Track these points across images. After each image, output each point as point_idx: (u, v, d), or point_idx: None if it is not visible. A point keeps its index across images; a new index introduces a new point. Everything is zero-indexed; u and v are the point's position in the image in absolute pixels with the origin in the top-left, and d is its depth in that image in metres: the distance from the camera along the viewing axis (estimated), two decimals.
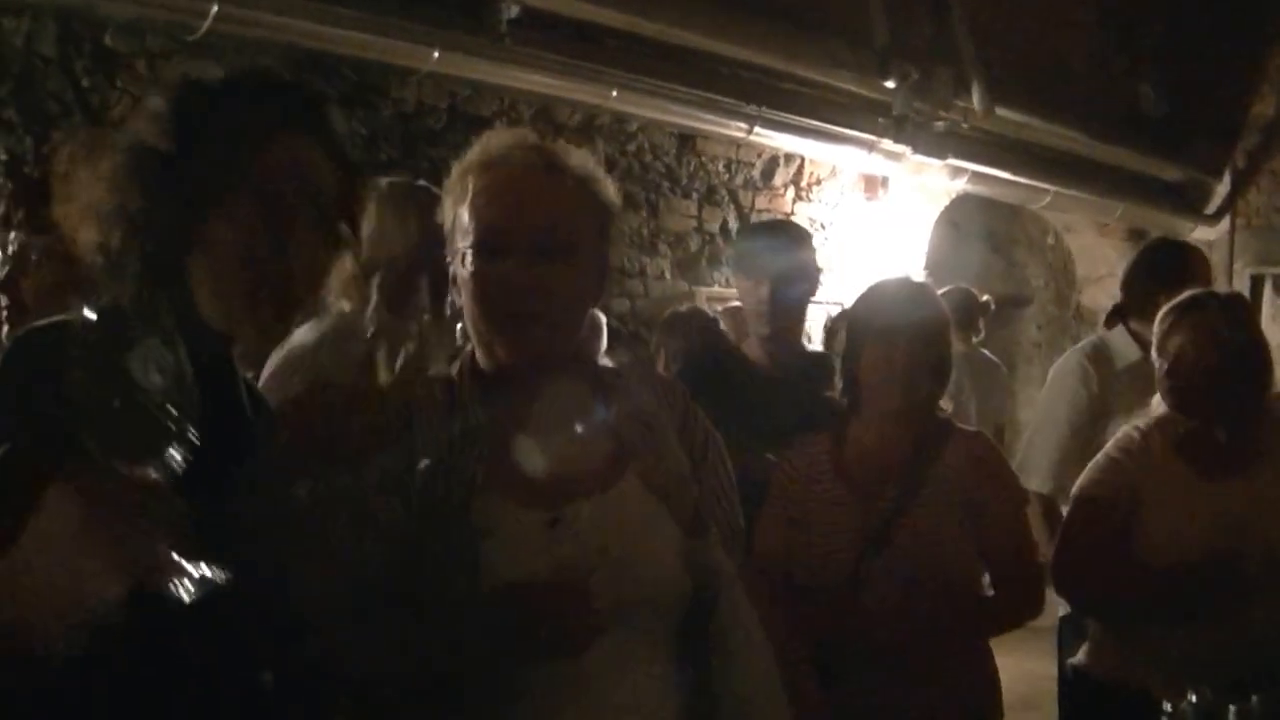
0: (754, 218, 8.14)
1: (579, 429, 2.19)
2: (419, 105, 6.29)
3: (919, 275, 2.87)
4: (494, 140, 2.20)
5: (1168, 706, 2.84)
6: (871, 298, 3.44)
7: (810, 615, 3.14)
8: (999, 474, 3.36)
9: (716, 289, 7.58)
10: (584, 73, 6.50)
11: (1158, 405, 3.62)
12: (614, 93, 6.65)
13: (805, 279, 4.13)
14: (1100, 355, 4.70)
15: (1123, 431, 3.64)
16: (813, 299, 4.26)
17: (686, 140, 7.77)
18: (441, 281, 2.45)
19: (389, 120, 6.14)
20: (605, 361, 3.62)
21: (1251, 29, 10.81)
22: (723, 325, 5.92)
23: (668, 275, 7.67)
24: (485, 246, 2.09)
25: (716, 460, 2.32)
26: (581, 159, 2.21)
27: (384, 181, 3.51)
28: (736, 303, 5.89)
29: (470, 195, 2.12)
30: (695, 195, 7.90)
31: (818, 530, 3.27)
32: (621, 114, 7.10)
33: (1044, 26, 9.44)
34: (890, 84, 8.09)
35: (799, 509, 3.31)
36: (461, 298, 2.15)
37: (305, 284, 1.92)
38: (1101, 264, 11.18)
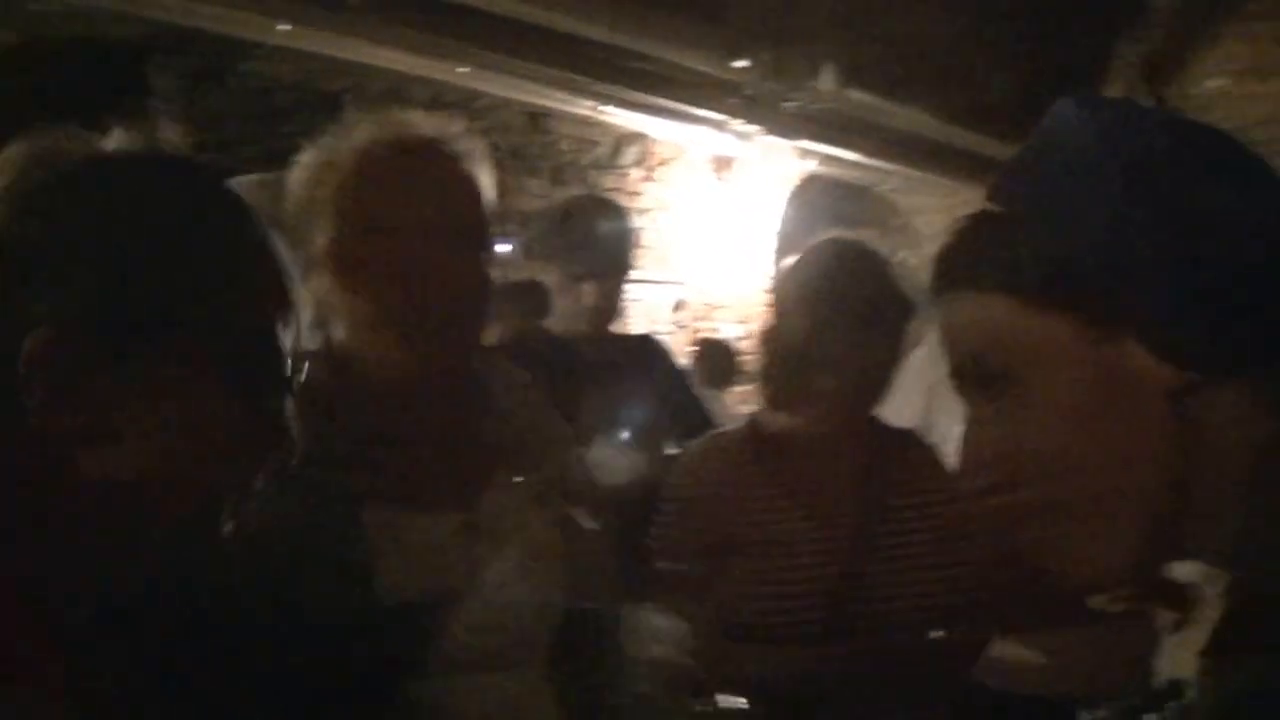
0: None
1: (455, 430, 2.09)
2: (271, 81, 6.20)
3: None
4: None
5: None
6: (799, 265, 2.78)
7: (776, 663, 2.57)
8: (947, 481, 2.85)
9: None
10: (434, 48, 6.45)
11: None
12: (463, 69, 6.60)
13: (626, 258, 3.97)
14: None
15: None
16: (631, 279, 4.03)
17: (536, 119, 7.74)
18: None
19: (239, 96, 6.04)
20: None
21: (1099, 17, 10.97)
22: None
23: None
24: None
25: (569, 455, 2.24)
26: None
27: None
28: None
29: None
30: (544, 174, 7.88)
31: (770, 561, 2.65)
32: (470, 91, 7.05)
33: (899, 9, 9.46)
34: (742, 64, 8.03)
35: (728, 532, 2.67)
36: None
37: None
38: None
